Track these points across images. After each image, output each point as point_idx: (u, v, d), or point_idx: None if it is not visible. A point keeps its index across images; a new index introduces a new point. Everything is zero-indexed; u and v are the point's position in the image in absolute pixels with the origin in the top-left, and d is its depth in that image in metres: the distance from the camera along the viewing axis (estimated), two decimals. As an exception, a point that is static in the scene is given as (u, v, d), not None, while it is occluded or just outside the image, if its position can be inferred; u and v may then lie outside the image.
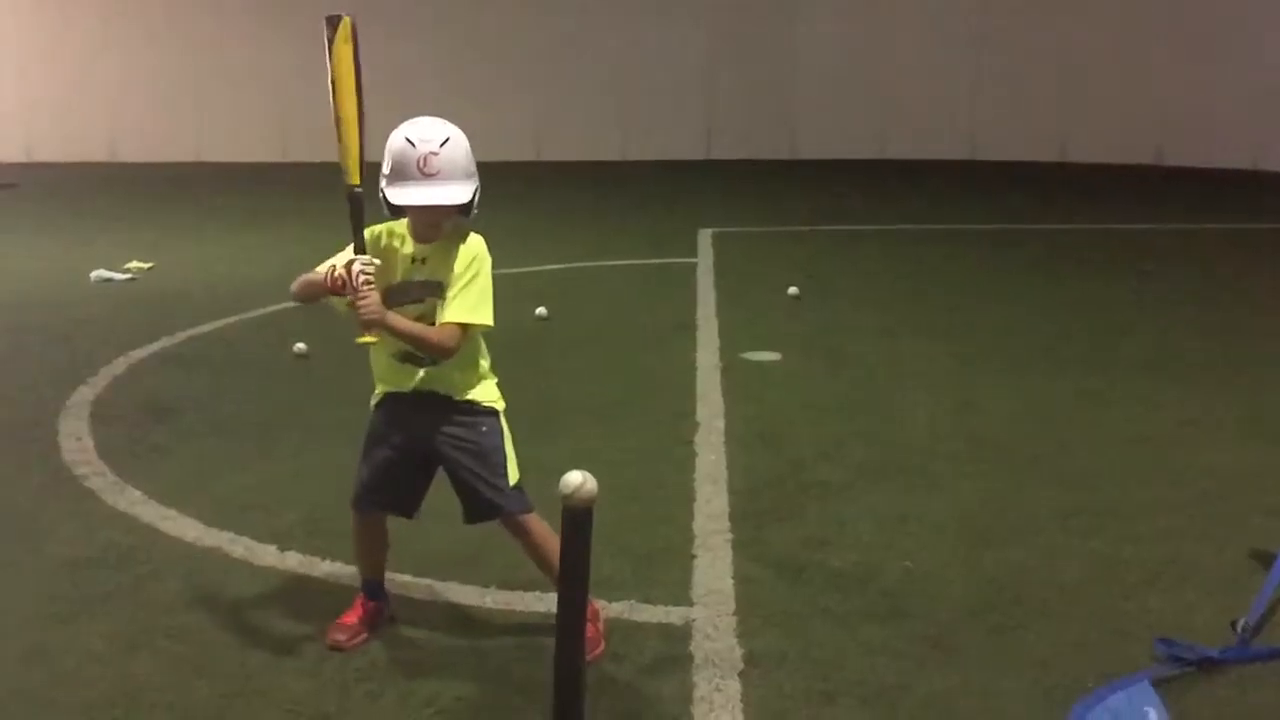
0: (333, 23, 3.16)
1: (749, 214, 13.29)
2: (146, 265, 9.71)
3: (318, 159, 19.82)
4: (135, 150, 20.11)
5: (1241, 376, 6.27)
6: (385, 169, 3.09)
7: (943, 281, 9.22)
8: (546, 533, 3.21)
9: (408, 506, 3.34)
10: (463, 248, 3.15)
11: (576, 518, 2.62)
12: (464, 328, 3.11)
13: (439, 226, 3.16)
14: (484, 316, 3.14)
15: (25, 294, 8.69)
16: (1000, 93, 19.17)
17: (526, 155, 19.30)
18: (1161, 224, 12.26)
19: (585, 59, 20.04)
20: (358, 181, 3.13)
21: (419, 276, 3.16)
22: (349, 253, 3.11)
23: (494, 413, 3.26)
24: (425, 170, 3.03)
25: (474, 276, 3.13)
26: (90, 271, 9.30)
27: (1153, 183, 16.58)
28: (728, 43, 20.22)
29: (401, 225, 3.19)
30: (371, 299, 3.00)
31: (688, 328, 7.44)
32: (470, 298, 3.11)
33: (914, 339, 7.19)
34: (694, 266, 9.73)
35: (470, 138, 3.15)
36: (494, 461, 3.21)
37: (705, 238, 11.21)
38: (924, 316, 7.89)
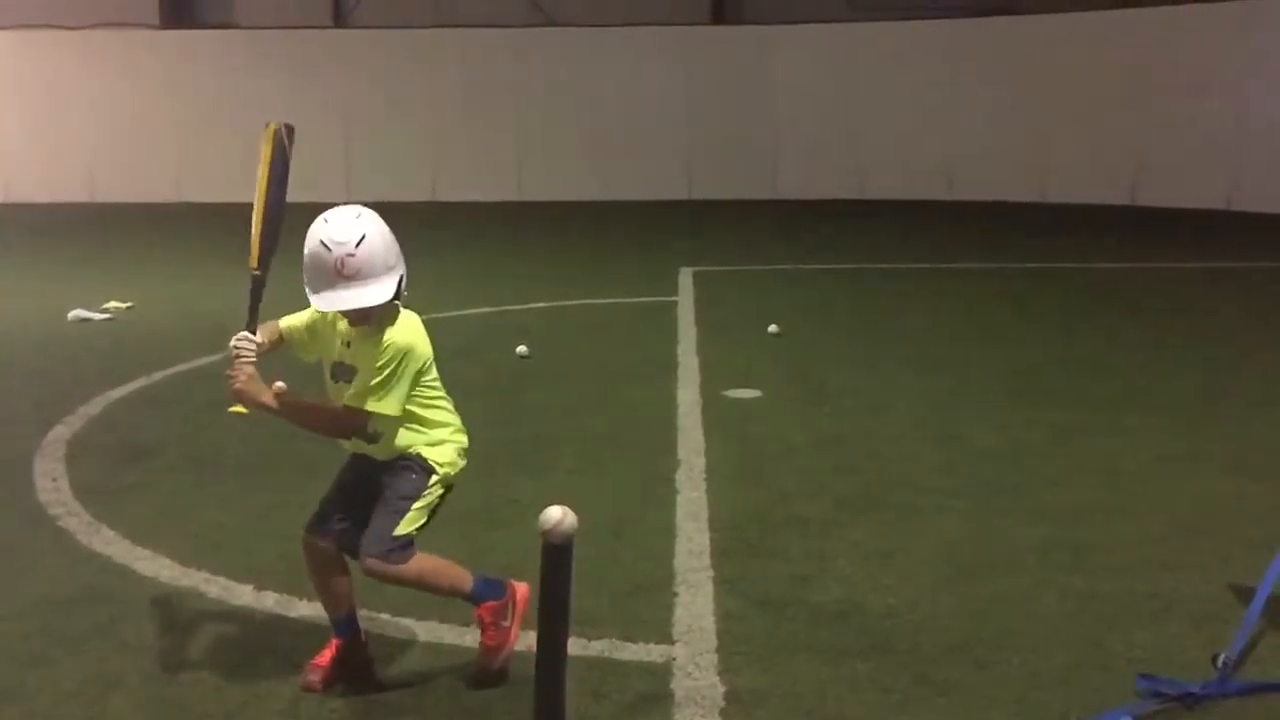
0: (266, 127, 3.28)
1: (729, 253, 13.36)
2: (125, 305, 9.67)
3: (296, 200, 19.87)
4: (114, 190, 20.10)
5: (1220, 411, 6.31)
6: (305, 271, 3.04)
7: (922, 318, 9.26)
8: (411, 576, 3.18)
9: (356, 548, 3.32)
10: (388, 332, 3.09)
11: (556, 553, 2.61)
12: (362, 413, 3.09)
13: (368, 315, 3.11)
14: (384, 407, 3.08)
15: (2, 333, 8.63)
16: (978, 134, 19.39)
17: (509, 195, 19.37)
18: (1139, 262, 12.37)
19: (567, 100, 20.19)
20: (255, 266, 3.21)
21: (346, 359, 3.17)
22: (300, 317, 3.25)
23: (429, 470, 3.21)
24: (343, 273, 2.99)
25: (384, 364, 3.06)
26: (68, 311, 9.26)
27: (1129, 221, 16.74)
28: (708, 83, 20.41)
29: None
30: (240, 374, 3.07)
31: (669, 365, 7.45)
32: (375, 385, 3.06)
33: (894, 375, 7.22)
34: (675, 305, 9.75)
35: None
36: (393, 506, 3.17)
37: (686, 276, 11.25)
38: (904, 353, 7.91)
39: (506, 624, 3.28)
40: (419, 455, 3.21)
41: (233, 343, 3.11)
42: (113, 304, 9.61)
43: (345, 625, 3.38)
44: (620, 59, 20.26)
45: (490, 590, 3.30)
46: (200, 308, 9.81)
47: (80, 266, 12.41)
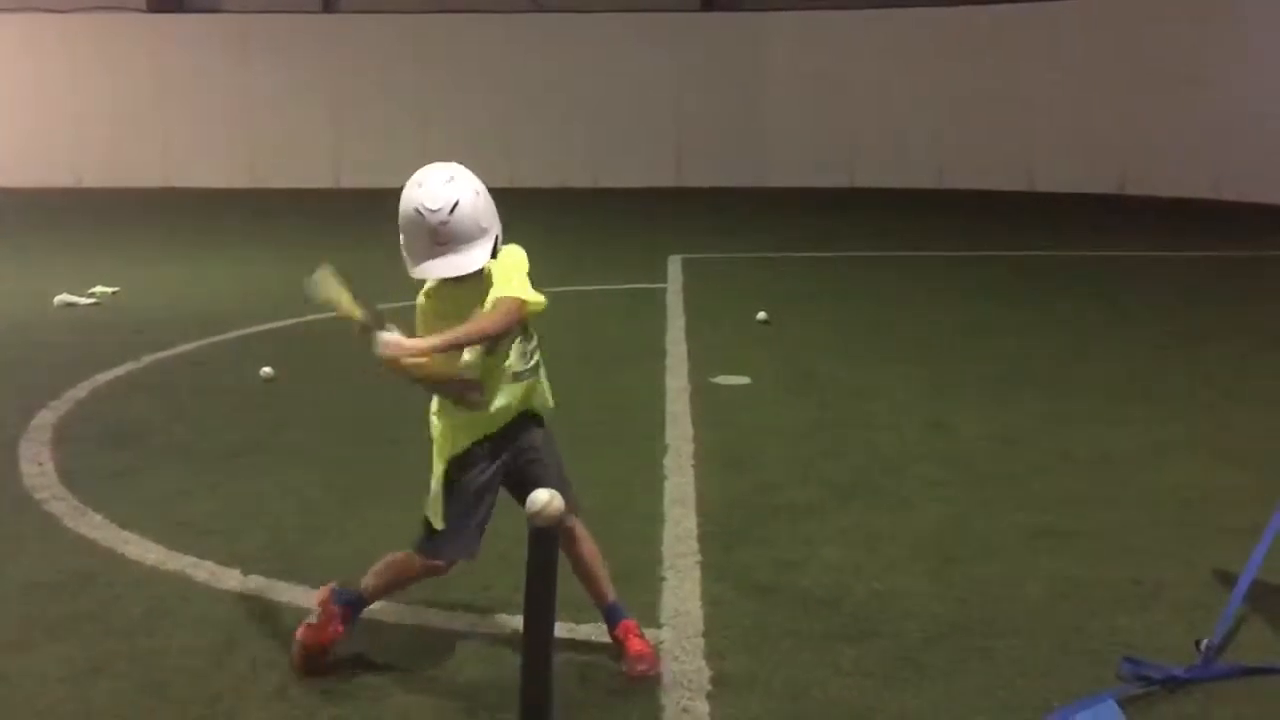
0: None
1: (718, 240, 13.36)
2: (111, 290, 9.64)
3: (285, 185, 19.86)
4: (101, 176, 20.01)
5: (1205, 400, 6.34)
6: (402, 237, 2.98)
7: (911, 307, 9.28)
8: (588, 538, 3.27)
9: None
10: (498, 259, 3.07)
11: (543, 536, 2.61)
12: (521, 305, 3.01)
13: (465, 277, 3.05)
14: (537, 297, 3.06)
15: (-12, 318, 8.60)
16: (967, 122, 19.41)
17: (499, 182, 19.16)
18: (1126, 251, 12.41)
19: (556, 86, 20.15)
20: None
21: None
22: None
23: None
24: (439, 240, 2.93)
25: (514, 267, 3.07)
26: (54, 296, 9.22)
27: (1117, 210, 16.79)
28: (698, 70, 20.39)
29: None
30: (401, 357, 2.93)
31: (657, 352, 7.45)
32: (518, 279, 3.04)
33: (882, 363, 7.23)
34: (664, 292, 9.75)
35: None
36: (561, 465, 3.25)
37: (675, 263, 11.26)
38: (892, 341, 7.93)
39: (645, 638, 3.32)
40: (539, 410, 3.24)
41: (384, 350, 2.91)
42: (99, 289, 9.58)
43: (359, 611, 3.35)
44: (610, 45, 20.22)
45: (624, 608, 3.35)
46: (186, 293, 9.79)
47: (66, 252, 12.35)
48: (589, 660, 3.31)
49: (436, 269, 2.97)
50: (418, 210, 2.92)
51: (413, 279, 3.09)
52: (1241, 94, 17.18)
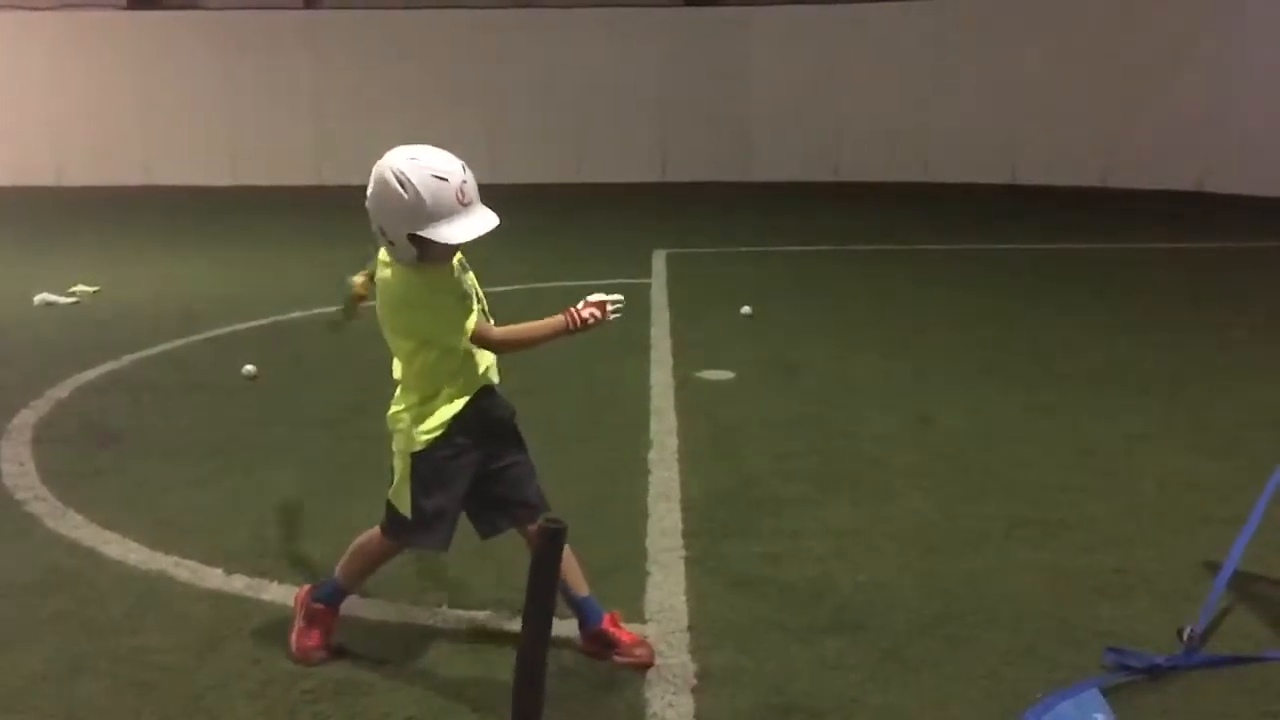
0: None
1: (703, 235, 13.36)
2: (92, 289, 9.58)
3: (267, 182, 19.78)
4: (81, 174, 19.90)
5: (1188, 391, 6.36)
6: (420, 213, 2.88)
7: (895, 300, 9.30)
8: None
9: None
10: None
11: (549, 535, 2.58)
12: None
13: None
14: None
15: (-33, 318, 8.53)
16: (951, 115, 19.44)
17: (480, 177, 19.08)
18: (1109, 243, 12.45)
19: (541, 82, 20.11)
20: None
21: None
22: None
23: None
24: (464, 200, 2.92)
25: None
26: (34, 295, 9.16)
27: (1101, 204, 16.84)
28: (683, 65, 20.38)
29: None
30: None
31: (642, 347, 7.44)
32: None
33: (866, 356, 7.24)
34: (648, 287, 9.74)
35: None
36: (530, 463, 3.33)
37: (660, 258, 11.25)
38: (876, 334, 7.94)
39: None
40: None
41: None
42: (79, 288, 9.52)
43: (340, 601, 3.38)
44: (594, 41, 20.18)
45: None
46: (168, 291, 9.73)
47: (47, 251, 12.28)
48: (572, 655, 3.30)
49: (475, 226, 2.96)
50: (437, 177, 2.88)
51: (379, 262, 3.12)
52: (1225, 87, 17.23)
